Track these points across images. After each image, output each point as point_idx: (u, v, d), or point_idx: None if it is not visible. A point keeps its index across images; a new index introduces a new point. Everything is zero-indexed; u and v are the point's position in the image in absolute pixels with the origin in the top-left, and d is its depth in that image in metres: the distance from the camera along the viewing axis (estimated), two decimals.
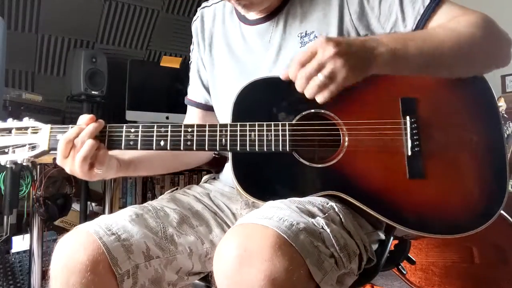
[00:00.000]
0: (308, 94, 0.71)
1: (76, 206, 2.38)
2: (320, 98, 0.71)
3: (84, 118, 0.83)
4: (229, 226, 0.95)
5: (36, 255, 1.86)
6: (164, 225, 0.87)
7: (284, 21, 0.95)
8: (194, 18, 1.12)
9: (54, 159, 1.79)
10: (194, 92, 1.13)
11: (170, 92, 2.72)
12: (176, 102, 2.65)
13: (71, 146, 0.80)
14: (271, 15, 0.96)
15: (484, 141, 0.84)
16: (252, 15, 0.98)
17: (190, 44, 1.15)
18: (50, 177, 1.97)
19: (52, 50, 2.58)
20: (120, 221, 0.82)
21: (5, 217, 1.87)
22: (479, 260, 1.76)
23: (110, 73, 2.41)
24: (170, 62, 2.61)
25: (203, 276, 0.93)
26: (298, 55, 0.71)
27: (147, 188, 2.77)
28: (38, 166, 1.88)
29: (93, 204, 2.64)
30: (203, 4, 1.12)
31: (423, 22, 0.84)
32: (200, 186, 1.05)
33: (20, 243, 1.96)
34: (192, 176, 2.81)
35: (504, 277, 1.70)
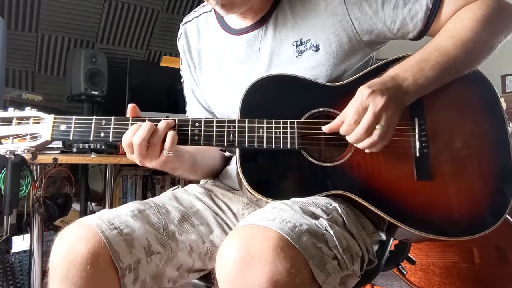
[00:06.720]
0: (365, 146, 0.77)
1: (76, 206, 2.38)
2: (378, 147, 0.77)
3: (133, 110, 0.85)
4: (229, 227, 0.95)
5: (36, 255, 1.86)
6: (166, 221, 0.87)
7: (273, 29, 0.92)
8: (178, 35, 1.09)
9: (54, 159, 1.79)
10: (193, 112, 1.10)
11: (170, 92, 2.72)
12: (176, 102, 2.65)
13: (147, 145, 0.80)
14: (258, 23, 0.93)
15: (489, 143, 0.84)
16: (238, 24, 0.96)
17: None
18: (50, 177, 1.96)
19: (52, 50, 2.59)
20: (122, 215, 0.82)
21: (5, 217, 1.87)
22: (479, 260, 1.76)
23: (110, 73, 2.41)
24: (170, 62, 2.61)
25: (204, 276, 0.93)
26: (349, 113, 0.76)
27: (147, 188, 2.77)
28: (38, 166, 1.87)
29: (93, 204, 2.64)
30: (185, 19, 1.09)
31: (433, 16, 0.85)
32: (201, 186, 1.04)
33: (20, 243, 1.95)
34: None
35: (504, 277, 1.70)
